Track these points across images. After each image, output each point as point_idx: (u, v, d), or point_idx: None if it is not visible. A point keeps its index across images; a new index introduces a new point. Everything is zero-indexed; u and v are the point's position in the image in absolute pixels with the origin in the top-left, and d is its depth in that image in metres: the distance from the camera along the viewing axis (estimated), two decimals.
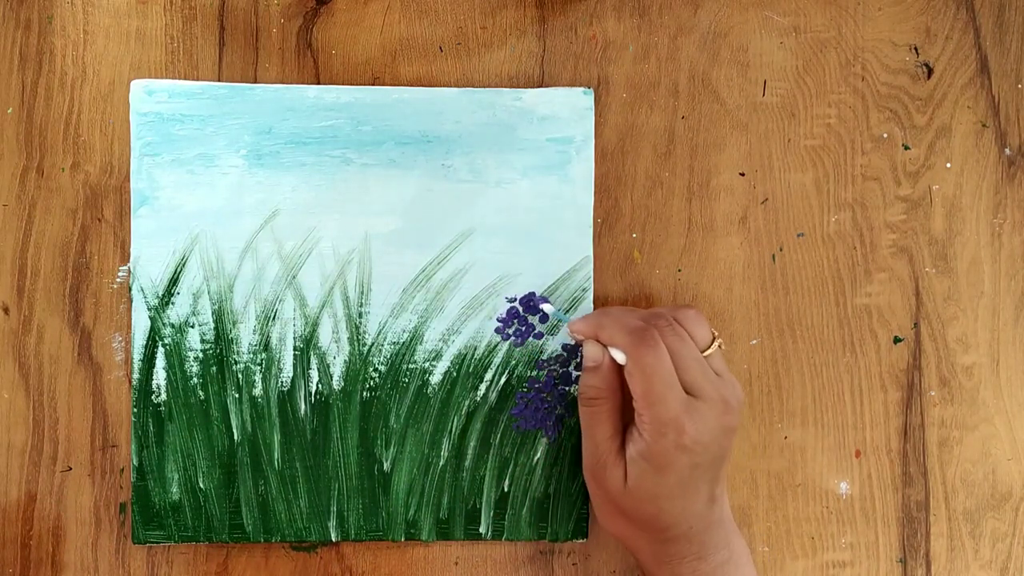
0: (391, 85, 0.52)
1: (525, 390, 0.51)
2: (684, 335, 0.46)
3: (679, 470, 0.44)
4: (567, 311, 0.51)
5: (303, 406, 0.51)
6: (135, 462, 0.50)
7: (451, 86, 0.52)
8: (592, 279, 0.52)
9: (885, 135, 0.53)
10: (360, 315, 0.51)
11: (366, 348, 0.51)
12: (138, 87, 0.50)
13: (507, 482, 0.51)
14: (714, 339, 0.47)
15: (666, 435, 0.44)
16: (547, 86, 0.52)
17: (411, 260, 0.51)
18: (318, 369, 0.51)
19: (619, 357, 0.46)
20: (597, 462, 0.46)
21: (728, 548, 0.46)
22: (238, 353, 0.50)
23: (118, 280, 0.51)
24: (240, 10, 0.52)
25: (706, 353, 0.46)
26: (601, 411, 0.46)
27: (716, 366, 0.46)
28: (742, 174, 0.53)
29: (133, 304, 0.50)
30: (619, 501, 0.46)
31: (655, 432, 0.44)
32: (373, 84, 0.52)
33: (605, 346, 0.47)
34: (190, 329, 0.50)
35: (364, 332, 0.51)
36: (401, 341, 0.51)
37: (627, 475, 0.45)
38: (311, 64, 0.52)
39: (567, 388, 0.51)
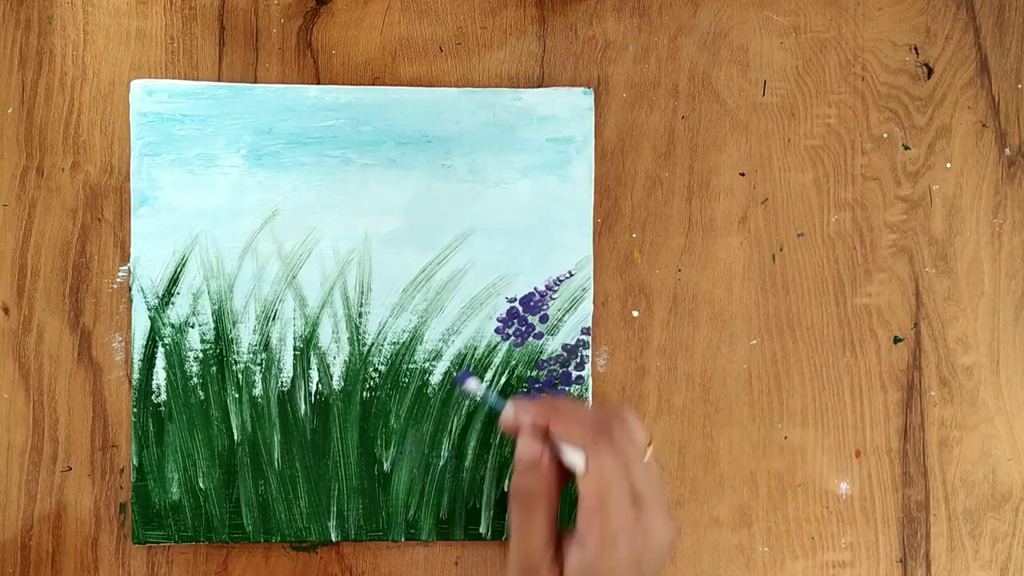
0: (391, 85, 0.52)
1: (525, 390, 0.51)
2: (634, 437, 0.41)
3: None
4: (567, 311, 0.51)
5: (303, 406, 0.51)
6: (135, 462, 0.50)
7: (451, 86, 0.52)
8: (592, 279, 0.52)
9: (885, 135, 0.53)
10: (360, 315, 0.51)
11: (366, 348, 0.51)
12: (138, 87, 0.50)
13: (507, 482, 0.51)
14: (649, 441, 0.42)
15: (613, 549, 0.39)
16: (547, 86, 0.52)
17: (411, 260, 0.51)
18: (318, 369, 0.51)
19: (574, 460, 0.40)
20: (527, 569, 0.41)
21: None
22: (238, 353, 0.50)
23: (118, 280, 0.51)
24: (240, 10, 0.52)
25: (644, 458, 0.41)
26: (537, 513, 0.41)
27: (652, 470, 0.42)
28: (742, 174, 0.53)
29: (133, 304, 0.50)
30: None
31: (603, 545, 0.39)
32: (373, 84, 0.52)
33: (545, 443, 0.41)
34: (190, 329, 0.50)
35: (364, 332, 0.51)
36: (401, 341, 0.51)
37: None
38: (311, 64, 0.52)
39: (567, 388, 0.51)
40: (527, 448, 0.42)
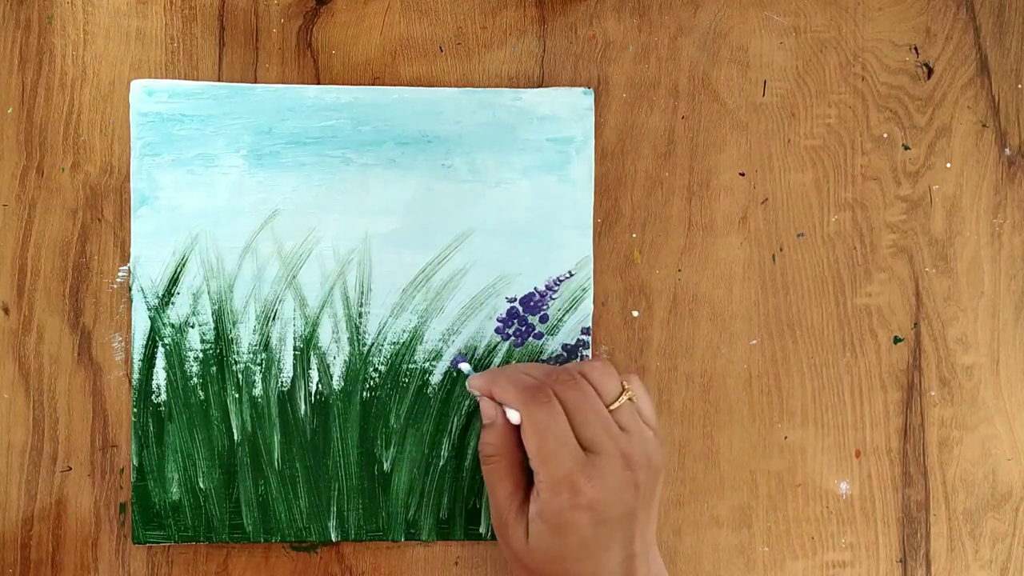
0: (391, 85, 0.52)
1: None
2: (586, 389, 0.44)
3: (580, 530, 0.42)
4: (567, 311, 0.51)
5: (303, 406, 0.51)
6: (135, 462, 0.50)
7: (451, 86, 0.52)
8: (592, 279, 0.52)
9: (885, 135, 0.53)
10: (360, 315, 0.51)
11: (366, 348, 0.51)
12: (138, 87, 0.50)
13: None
14: (623, 392, 0.45)
15: (560, 494, 0.42)
16: (547, 86, 0.52)
17: (411, 260, 0.51)
18: (318, 369, 0.51)
19: (513, 416, 0.45)
20: (499, 520, 0.45)
21: None
22: (238, 353, 0.50)
23: (118, 280, 0.51)
24: (240, 10, 0.52)
25: (613, 407, 0.45)
26: (499, 468, 0.45)
27: (623, 420, 0.44)
28: (742, 174, 0.53)
29: (133, 304, 0.50)
30: (523, 560, 0.44)
31: (550, 491, 0.42)
32: (373, 84, 0.52)
33: (499, 406, 0.46)
34: (190, 329, 0.50)
35: (364, 332, 0.51)
36: (401, 341, 0.51)
37: (528, 534, 0.44)
38: (311, 64, 0.52)
39: None
40: (484, 410, 0.47)
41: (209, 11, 0.52)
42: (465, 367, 0.51)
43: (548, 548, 0.43)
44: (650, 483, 0.44)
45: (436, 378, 0.51)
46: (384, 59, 0.52)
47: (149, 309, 0.50)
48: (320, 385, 0.51)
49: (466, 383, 0.49)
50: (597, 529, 0.42)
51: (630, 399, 0.45)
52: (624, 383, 0.46)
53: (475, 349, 0.51)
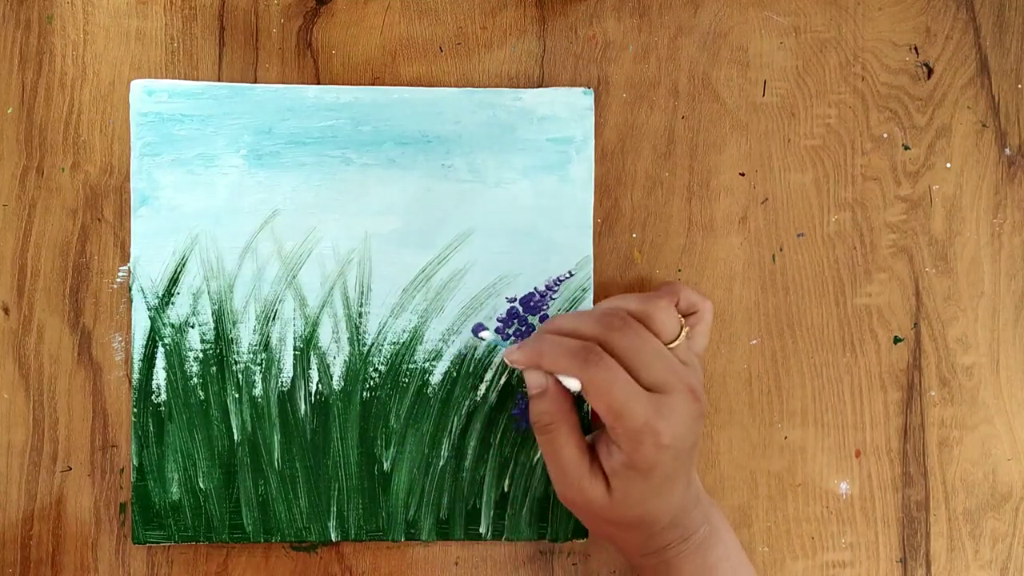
0: (391, 85, 0.52)
1: (525, 390, 0.51)
2: (641, 331, 0.44)
3: (663, 468, 0.44)
4: (568, 311, 0.51)
5: (303, 406, 0.51)
6: (135, 462, 0.50)
7: (451, 86, 0.52)
8: (592, 279, 0.52)
9: (885, 135, 0.53)
10: (360, 315, 0.51)
11: (366, 348, 0.51)
12: (138, 87, 0.50)
13: (507, 482, 0.51)
14: (681, 328, 0.46)
15: (643, 442, 0.43)
16: (547, 86, 0.52)
17: (411, 260, 0.51)
18: (318, 369, 0.51)
19: (571, 384, 0.45)
20: (573, 484, 0.45)
21: (708, 522, 0.46)
22: (238, 353, 0.50)
23: (118, 280, 0.51)
24: (240, 10, 0.52)
25: (673, 344, 0.45)
26: (559, 435, 0.45)
27: (682, 355, 0.46)
28: (742, 174, 0.53)
29: (133, 304, 0.50)
30: (605, 514, 0.45)
31: (632, 441, 0.43)
32: (373, 84, 0.52)
33: (547, 373, 0.46)
34: (190, 329, 0.50)
35: (364, 332, 0.51)
36: (401, 341, 0.51)
37: (611, 487, 0.44)
38: (311, 64, 0.52)
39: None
40: (532, 381, 0.46)
41: (209, 11, 0.52)
42: (489, 335, 0.49)
43: (636, 494, 0.44)
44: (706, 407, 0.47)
45: (436, 378, 0.51)
46: (384, 59, 0.52)
47: (149, 309, 0.50)
48: (320, 385, 0.51)
49: (503, 356, 0.47)
50: (676, 462, 0.44)
51: (685, 335, 0.46)
52: (682, 319, 0.46)
53: (475, 349, 0.51)
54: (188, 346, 0.50)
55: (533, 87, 0.52)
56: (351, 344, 0.51)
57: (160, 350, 0.50)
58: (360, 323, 0.51)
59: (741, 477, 0.52)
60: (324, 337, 0.51)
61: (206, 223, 0.50)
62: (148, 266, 0.50)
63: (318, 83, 0.52)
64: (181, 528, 0.50)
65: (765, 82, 0.53)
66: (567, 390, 0.45)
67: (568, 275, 0.51)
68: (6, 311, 0.51)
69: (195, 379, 0.50)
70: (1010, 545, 0.53)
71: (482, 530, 0.51)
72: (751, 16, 0.53)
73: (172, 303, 0.50)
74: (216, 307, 0.50)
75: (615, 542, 0.48)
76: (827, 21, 0.54)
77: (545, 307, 0.51)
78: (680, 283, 0.51)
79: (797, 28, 0.53)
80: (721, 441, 0.52)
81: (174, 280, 0.50)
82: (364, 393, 0.51)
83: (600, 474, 0.45)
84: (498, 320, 0.51)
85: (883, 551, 0.52)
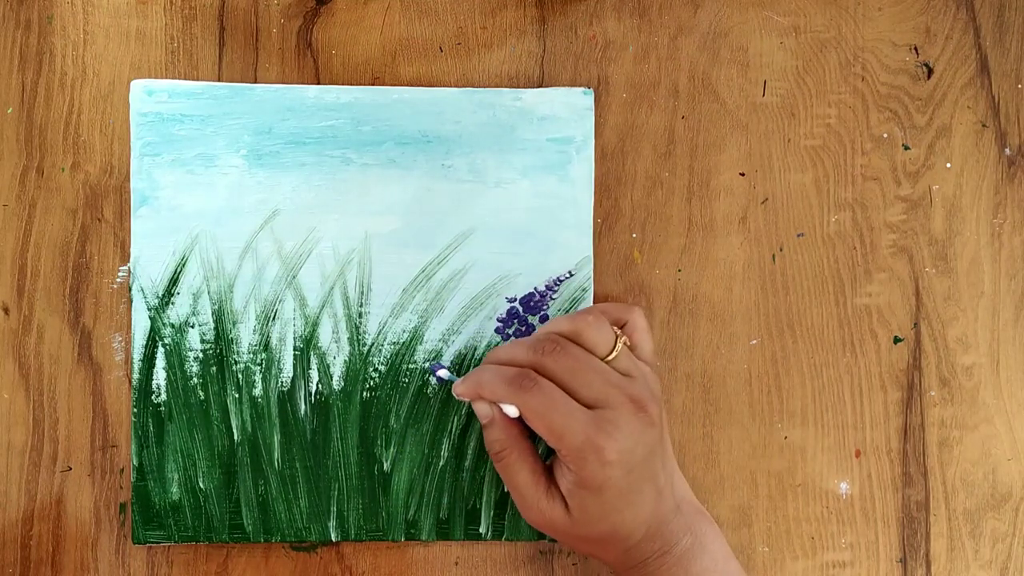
0: (391, 85, 0.52)
1: None
2: (574, 350, 0.45)
3: (615, 483, 0.44)
4: (567, 311, 0.51)
5: (303, 406, 0.51)
6: (135, 462, 0.50)
7: (451, 86, 0.52)
8: (592, 279, 0.52)
9: (885, 135, 0.53)
10: (360, 315, 0.51)
11: (366, 348, 0.51)
12: (138, 87, 0.50)
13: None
14: (616, 339, 0.46)
15: (588, 459, 0.43)
16: (547, 86, 0.52)
17: (411, 260, 0.51)
18: (318, 369, 0.51)
19: (510, 411, 0.46)
20: (532, 507, 0.46)
21: (691, 533, 0.46)
22: (238, 353, 0.50)
23: (118, 280, 0.51)
24: (240, 10, 0.52)
25: (609, 358, 0.46)
26: (512, 461, 0.46)
27: (622, 366, 0.46)
28: (742, 174, 0.53)
29: (133, 304, 0.50)
30: (571, 532, 0.45)
31: (577, 460, 0.43)
32: (373, 84, 0.52)
33: (492, 403, 0.47)
34: (190, 329, 0.50)
35: (364, 332, 0.51)
36: (401, 341, 0.51)
37: (568, 506, 0.45)
38: (311, 64, 0.52)
39: None
40: (479, 412, 0.47)
41: (209, 11, 0.52)
42: (445, 374, 0.50)
43: (592, 511, 0.44)
44: (660, 415, 0.46)
45: (436, 378, 0.51)
46: (384, 59, 0.52)
47: (149, 309, 0.50)
48: (320, 385, 0.51)
49: (452, 391, 0.48)
50: (629, 476, 0.44)
51: (624, 344, 0.46)
52: (616, 331, 0.46)
53: (475, 349, 0.51)
54: (188, 346, 0.50)
55: (533, 87, 0.52)
56: (351, 344, 0.51)
57: (160, 350, 0.50)
58: (360, 323, 0.51)
59: (741, 477, 0.52)
60: (324, 337, 0.51)
61: (206, 223, 0.51)
62: (148, 266, 0.50)
63: (318, 83, 0.52)
64: (181, 528, 0.50)
65: (765, 82, 0.53)
66: (516, 417, 0.46)
67: (568, 275, 0.51)
68: (6, 311, 0.51)
69: (195, 379, 0.50)
70: (1010, 545, 0.53)
71: (482, 530, 0.51)
72: (751, 16, 0.53)
73: (172, 303, 0.50)
74: (216, 307, 0.50)
75: (595, 557, 0.48)
76: (827, 21, 0.54)
77: (545, 307, 0.51)
78: (600, 304, 0.50)
79: (797, 28, 0.53)
80: (721, 441, 0.52)
81: (174, 280, 0.50)
82: (364, 393, 0.51)
83: (558, 495, 0.45)
84: (498, 320, 0.51)
85: (883, 551, 0.52)
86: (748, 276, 0.53)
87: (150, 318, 0.50)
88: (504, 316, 0.51)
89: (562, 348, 0.45)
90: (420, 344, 0.51)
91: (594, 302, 0.52)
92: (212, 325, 0.50)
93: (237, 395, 0.50)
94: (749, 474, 0.52)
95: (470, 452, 0.51)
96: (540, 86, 0.52)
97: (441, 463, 0.51)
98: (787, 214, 0.53)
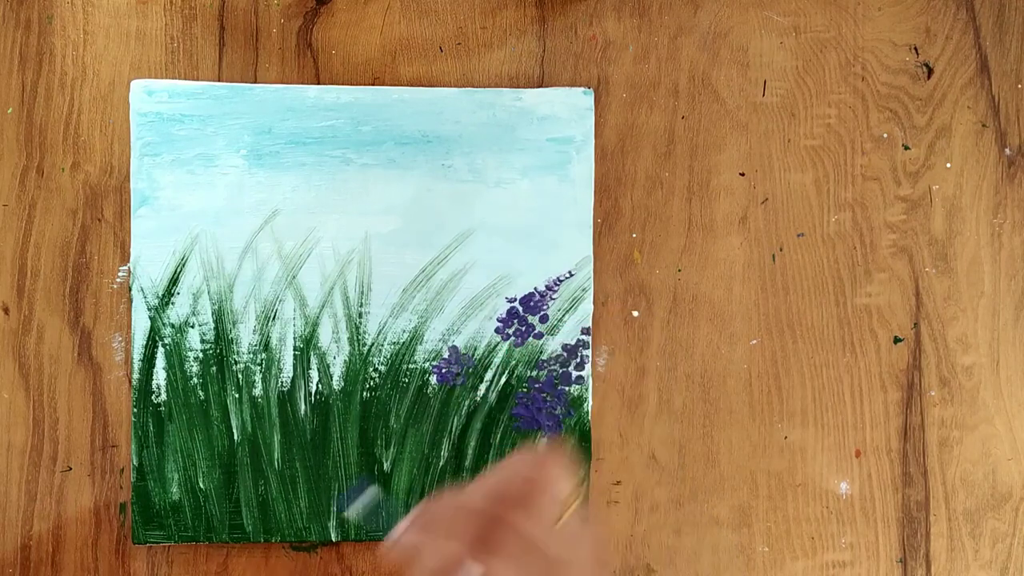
0: (391, 85, 0.52)
1: (525, 390, 0.51)
2: (551, 498, 0.39)
3: None
4: (567, 311, 0.51)
5: (303, 406, 0.51)
6: (135, 462, 0.50)
7: (451, 86, 0.52)
8: (592, 279, 0.52)
9: (885, 135, 0.53)
10: (360, 315, 0.51)
11: (366, 348, 0.51)
12: (138, 87, 0.50)
13: None
14: (573, 496, 0.40)
15: None
16: (547, 86, 0.52)
17: (411, 260, 0.51)
18: (318, 369, 0.51)
19: (474, 572, 0.38)
20: None
21: None
22: (238, 353, 0.50)
23: (118, 280, 0.51)
24: (240, 10, 0.52)
25: (563, 520, 0.39)
26: None
27: (575, 523, 0.39)
28: (742, 174, 0.53)
29: (133, 304, 0.50)
30: None
31: None
32: (373, 84, 0.52)
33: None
34: (190, 329, 0.50)
35: (364, 332, 0.51)
36: (401, 341, 0.51)
37: None
38: (311, 64, 0.52)
39: (567, 388, 0.51)
40: None
41: (209, 11, 0.52)
42: (373, 492, 0.48)
43: None
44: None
45: (436, 378, 0.51)
46: (384, 59, 0.52)
47: (149, 309, 0.50)
48: (320, 385, 0.51)
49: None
50: None
51: (579, 499, 0.40)
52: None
53: (475, 349, 0.51)
54: (188, 346, 0.50)
55: (533, 87, 0.52)
56: (351, 344, 0.51)
57: (160, 350, 0.50)
58: (360, 323, 0.51)
59: (741, 477, 0.52)
60: (324, 337, 0.51)
61: (206, 223, 0.50)
62: (148, 266, 0.50)
63: (318, 83, 0.52)
64: (181, 528, 0.50)
65: (765, 82, 0.53)
66: None
67: (568, 275, 0.51)
68: (6, 311, 0.51)
69: (195, 379, 0.50)
70: (1010, 545, 0.53)
71: None
72: (751, 16, 0.53)
73: (172, 303, 0.50)
74: (216, 307, 0.50)
75: None
76: (827, 21, 0.54)
77: (545, 307, 0.51)
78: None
79: (797, 28, 0.53)
80: (721, 441, 0.52)
81: (174, 280, 0.50)
82: (364, 393, 0.51)
83: None
84: (498, 320, 0.51)
85: (883, 551, 0.52)
86: (748, 276, 0.53)
87: (150, 318, 0.50)
88: (504, 316, 0.51)
89: (508, 532, 0.38)
90: (420, 344, 0.51)
91: (594, 302, 0.52)
92: (212, 325, 0.50)
93: (237, 395, 0.50)
94: (749, 474, 0.52)
95: (470, 452, 0.51)
96: (540, 86, 0.52)
97: (441, 463, 0.51)
98: (787, 214, 0.53)
